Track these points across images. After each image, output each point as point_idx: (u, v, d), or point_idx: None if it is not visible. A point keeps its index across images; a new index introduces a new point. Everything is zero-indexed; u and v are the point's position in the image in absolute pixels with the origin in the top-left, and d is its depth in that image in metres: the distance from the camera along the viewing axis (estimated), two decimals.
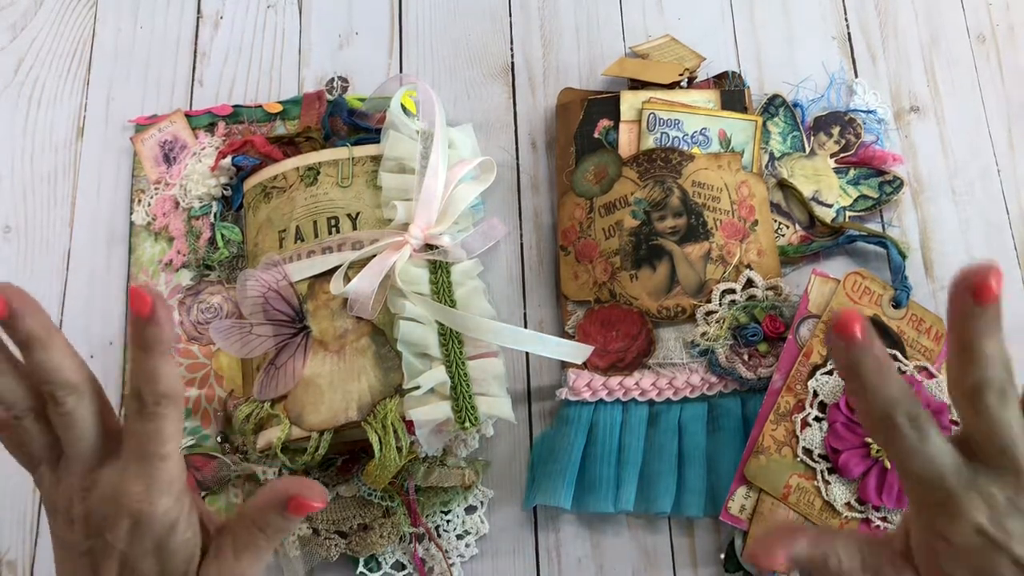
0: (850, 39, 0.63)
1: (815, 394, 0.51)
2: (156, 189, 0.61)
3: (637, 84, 0.60)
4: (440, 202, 0.54)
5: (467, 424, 0.49)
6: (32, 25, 0.67)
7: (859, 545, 0.36)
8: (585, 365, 0.54)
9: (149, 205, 0.60)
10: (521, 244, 0.60)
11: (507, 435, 0.55)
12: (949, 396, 0.40)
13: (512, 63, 0.64)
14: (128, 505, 0.36)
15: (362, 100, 0.60)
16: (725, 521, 0.50)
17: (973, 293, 0.33)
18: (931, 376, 0.51)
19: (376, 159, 0.55)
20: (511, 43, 0.65)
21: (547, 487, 0.52)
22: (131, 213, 0.61)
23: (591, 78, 0.63)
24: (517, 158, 0.61)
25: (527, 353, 0.56)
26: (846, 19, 0.64)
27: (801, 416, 0.51)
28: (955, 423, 0.50)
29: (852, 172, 0.59)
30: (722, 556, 0.51)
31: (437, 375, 0.49)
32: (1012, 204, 0.59)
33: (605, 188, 0.57)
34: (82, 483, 0.37)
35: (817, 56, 0.63)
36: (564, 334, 0.55)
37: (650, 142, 0.57)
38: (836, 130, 0.60)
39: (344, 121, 0.59)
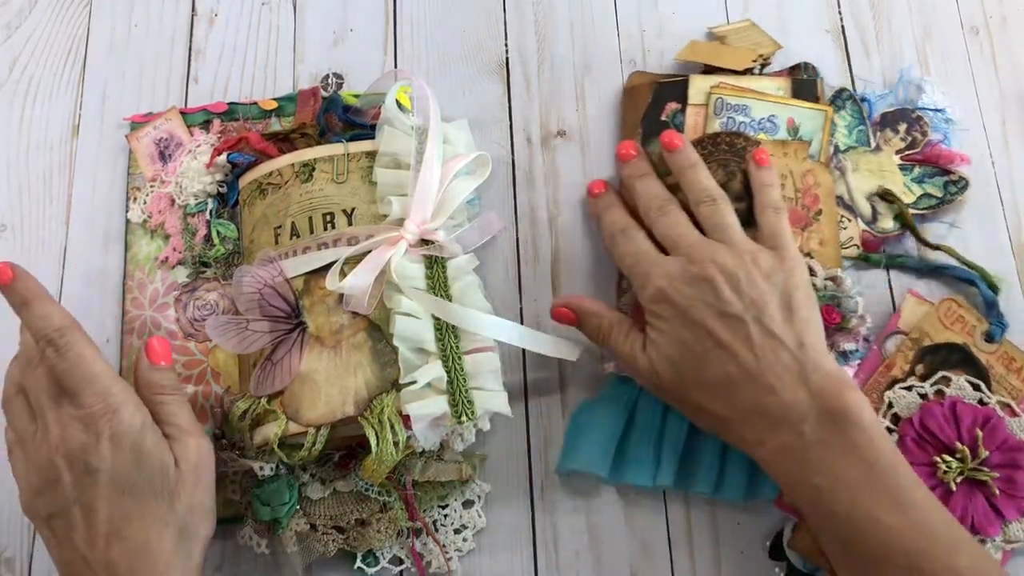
0: (844, 32, 0.64)
1: (890, 405, 0.51)
2: (152, 187, 0.61)
3: (710, 69, 0.60)
4: (435, 197, 0.54)
5: (464, 418, 0.49)
6: (27, 23, 0.67)
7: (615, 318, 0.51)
8: None
9: (145, 203, 0.61)
10: (517, 239, 0.60)
11: (504, 429, 0.55)
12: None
13: (507, 58, 0.64)
14: (99, 423, 0.43)
15: (357, 96, 0.60)
16: (779, 508, 0.51)
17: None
18: (1014, 414, 0.51)
19: (371, 155, 0.55)
20: (505, 38, 0.65)
21: (586, 453, 0.51)
22: (127, 211, 0.61)
23: (586, 73, 0.63)
24: (512, 153, 0.62)
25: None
26: (840, 12, 0.64)
27: None
28: None
29: (917, 170, 0.59)
30: (768, 544, 0.51)
31: (433, 370, 0.49)
32: (1006, 196, 0.59)
33: (669, 170, 0.56)
34: (56, 430, 0.43)
35: (811, 49, 0.63)
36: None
37: (716, 126, 0.57)
38: (903, 127, 0.59)
39: (339, 117, 0.59)
